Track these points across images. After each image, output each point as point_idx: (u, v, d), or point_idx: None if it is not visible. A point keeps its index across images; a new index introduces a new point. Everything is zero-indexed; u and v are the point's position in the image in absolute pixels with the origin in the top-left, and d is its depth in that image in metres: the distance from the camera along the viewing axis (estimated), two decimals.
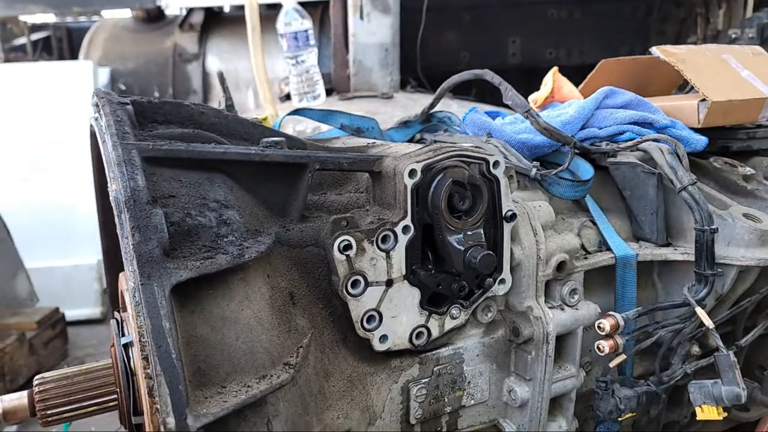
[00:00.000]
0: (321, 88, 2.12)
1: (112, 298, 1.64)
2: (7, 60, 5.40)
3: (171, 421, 0.70)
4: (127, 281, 0.80)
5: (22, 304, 3.57)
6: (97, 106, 1.03)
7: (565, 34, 4.42)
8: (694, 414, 1.51)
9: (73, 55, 5.44)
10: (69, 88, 3.96)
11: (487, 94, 2.99)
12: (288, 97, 2.40)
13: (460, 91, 2.12)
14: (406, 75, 2.71)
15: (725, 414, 1.18)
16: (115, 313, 1.22)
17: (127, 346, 1.12)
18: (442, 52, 3.61)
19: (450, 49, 3.75)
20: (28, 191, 3.87)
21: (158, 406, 0.72)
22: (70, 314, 3.69)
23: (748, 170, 1.55)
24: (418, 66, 2.90)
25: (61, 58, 5.70)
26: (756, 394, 1.34)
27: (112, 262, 1.59)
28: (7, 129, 3.93)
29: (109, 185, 0.85)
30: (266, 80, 2.10)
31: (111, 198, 0.83)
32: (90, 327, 3.87)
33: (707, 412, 1.17)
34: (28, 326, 3.36)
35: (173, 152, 0.88)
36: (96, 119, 1.01)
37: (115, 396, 1.12)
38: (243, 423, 0.78)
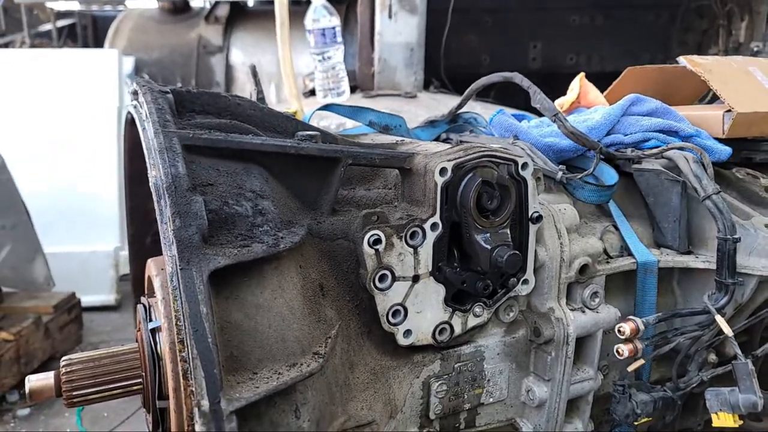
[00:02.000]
0: (346, 85, 2.14)
1: (135, 284, 1.67)
2: (32, 45, 5.48)
3: (205, 403, 0.72)
4: (165, 266, 0.83)
5: (38, 288, 3.62)
6: (136, 93, 1.06)
7: (587, 40, 4.41)
8: (707, 421, 1.52)
9: (98, 43, 5.52)
10: (94, 75, 4.02)
11: (507, 97, 2.99)
12: (312, 92, 2.42)
13: (480, 93, 2.14)
14: (428, 75, 2.72)
15: (740, 422, 1.19)
16: (142, 299, 1.25)
17: (154, 331, 1.14)
18: (464, 55, 3.62)
19: (471, 52, 3.75)
20: (50, 176, 3.93)
21: (193, 389, 0.74)
22: (86, 300, 3.75)
23: None
24: (441, 67, 2.91)
25: (85, 45, 5.77)
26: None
27: (138, 249, 1.62)
28: (31, 113, 3.99)
29: (149, 171, 0.88)
30: (292, 75, 2.12)
31: (151, 184, 0.86)
32: (104, 314, 3.93)
33: (723, 420, 1.18)
34: (45, 310, 3.42)
35: (213, 141, 0.90)
36: (135, 107, 1.04)
37: (140, 380, 1.14)
38: (272, 409, 0.80)
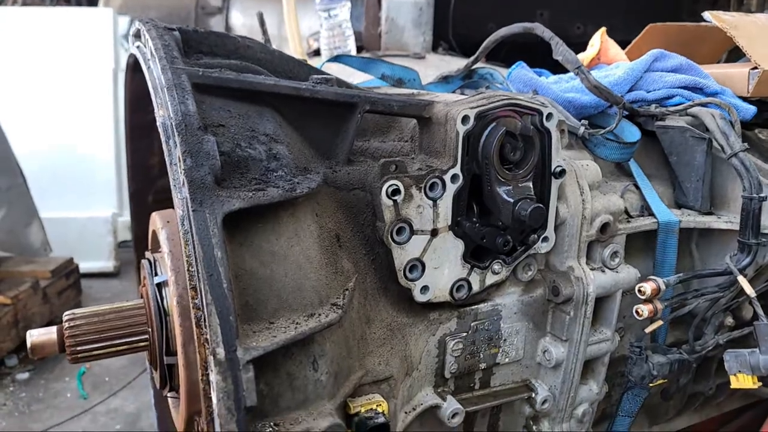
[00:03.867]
0: (352, 44, 2.07)
1: (137, 244, 1.63)
2: (24, 4, 5.32)
3: (221, 351, 0.68)
4: (175, 211, 0.78)
5: (35, 253, 3.58)
6: (138, 33, 1.00)
7: (595, 9, 4.30)
8: (719, 386, 1.51)
9: (92, 2, 5.35)
10: (89, 35, 3.90)
11: (518, 59, 2.91)
12: (317, 52, 2.34)
13: (491, 56, 2.07)
14: (436, 39, 2.64)
15: (759, 384, 1.17)
16: (147, 253, 1.20)
17: (160, 286, 1.10)
18: (471, 21, 3.53)
19: (478, 18, 3.65)
20: (45, 139, 3.84)
21: (207, 337, 0.70)
22: (84, 266, 3.71)
23: None
24: (450, 29, 2.82)
25: (79, 4, 5.60)
26: None
27: (139, 208, 1.57)
28: (24, 74, 3.88)
29: (156, 111, 0.82)
30: (297, 32, 2.04)
31: (159, 124, 0.81)
32: (103, 280, 3.90)
33: (742, 381, 1.15)
34: (42, 275, 3.38)
35: (224, 81, 0.84)
36: (138, 47, 0.98)
37: (146, 336, 1.11)
38: (289, 361, 0.77)
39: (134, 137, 1.41)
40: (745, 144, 1.21)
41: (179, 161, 0.75)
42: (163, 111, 0.80)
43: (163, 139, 0.79)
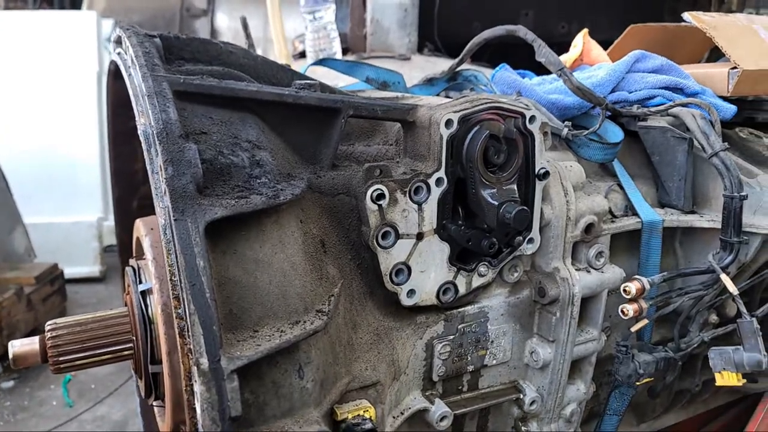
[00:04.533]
0: (337, 46, 2.06)
1: (122, 250, 1.61)
2: (7, 7, 5.24)
3: (204, 362, 0.68)
4: (157, 220, 0.77)
5: (19, 260, 3.53)
6: (119, 41, 0.99)
7: (579, 9, 4.33)
8: (705, 383, 1.52)
9: (75, 5, 5.29)
10: (72, 38, 3.85)
11: (502, 60, 2.93)
12: (302, 55, 2.33)
13: (475, 57, 2.07)
14: (421, 40, 2.64)
15: (744, 381, 1.18)
16: (131, 261, 1.19)
17: (144, 294, 1.09)
18: (455, 20, 3.54)
19: (463, 19, 3.67)
20: (28, 143, 3.79)
21: (190, 347, 0.69)
22: (69, 272, 3.67)
23: None
24: (435, 29, 2.82)
25: (62, 7, 5.53)
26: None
27: (123, 214, 1.56)
28: (7, 78, 3.83)
29: (137, 119, 0.82)
30: (282, 34, 2.03)
31: (140, 132, 0.80)
32: (89, 285, 3.85)
33: (727, 379, 1.17)
34: (27, 281, 3.34)
35: (206, 88, 0.84)
36: (119, 54, 0.97)
37: (131, 345, 1.09)
38: (274, 369, 0.76)
39: (117, 143, 1.39)
40: (726, 143, 1.22)
41: (161, 170, 0.74)
42: (144, 119, 0.79)
43: (144, 147, 0.78)
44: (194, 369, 0.68)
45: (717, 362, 1.17)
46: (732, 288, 1.16)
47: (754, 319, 1.15)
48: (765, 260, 1.32)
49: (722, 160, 1.21)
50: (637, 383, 1.22)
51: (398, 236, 0.96)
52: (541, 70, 1.47)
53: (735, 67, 1.43)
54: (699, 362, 1.47)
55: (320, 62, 1.39)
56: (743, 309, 1.16)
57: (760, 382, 1.55)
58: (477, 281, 1.06)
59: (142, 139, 0.79)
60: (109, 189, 1.61)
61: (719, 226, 1.23)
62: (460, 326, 1.07)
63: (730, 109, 1.41)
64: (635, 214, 1.26)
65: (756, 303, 1.44)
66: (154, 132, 0.75)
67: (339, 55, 2.09)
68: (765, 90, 1.53)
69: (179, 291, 0.71)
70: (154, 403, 1.10)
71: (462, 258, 1.05)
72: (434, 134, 0.96)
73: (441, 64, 1.52)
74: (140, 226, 1.13)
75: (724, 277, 1.17)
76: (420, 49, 2.65)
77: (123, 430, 2.51)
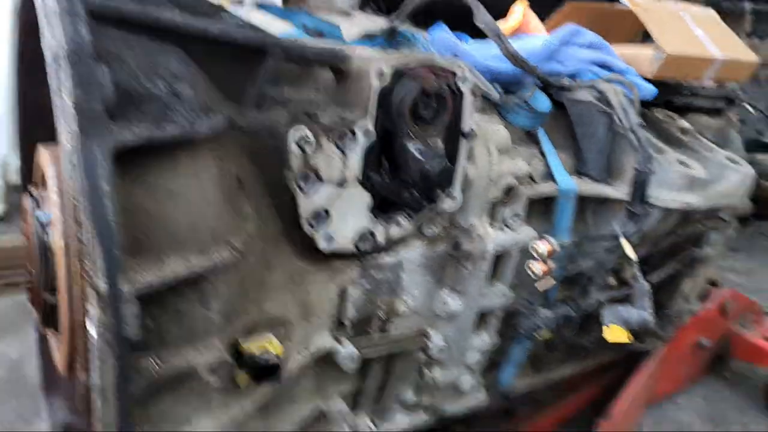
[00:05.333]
0: None
1: (25, 174, 1.53)
2: None
3: (102, 284, 0.67)
4: (61, 142, 0.75)
5: None
6: None
7: None
8: (599, 341, 1.64)
9: None
10: None
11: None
12: (240, 1, 2.24)
13: (420, 25, 2.07)
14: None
15: (632, 339, 1.28)
16: (30, 188, 1.14)
17: (43, 224, 1.05)
18: None
19: None
20: None
21: (89, 271, 0.69)
22: None
23: (686, 125, 1.63)
24: None
25: None
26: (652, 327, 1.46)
27: (29, 148, 1.48)
28: None
29: (44, 40, 0.78)
30: None
31: (46, 52, 0.76)
32: None
33: (615, 334, 1.26)
34: None
35: (124, 12, 0.81)
36: None
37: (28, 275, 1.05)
38: (179, 298, 0.77)
39: (25, 72, 1.31)
40: (642, 121, 1.30)
41: (69, 93, 0.71)
42: (54, 39, 0.75)
43: (51, 69, 0.75)
44: (91, 292, 0.67)
45: (607, 316, 1.26)
46: (632, 254, 1.26)
47: (646, 282, 1.24)
48: (664, 230, 1.43)
49: (637, 135, 1.28)
50: (537, 337, 1.30)
51: (320, 181, 0.97)
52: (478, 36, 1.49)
53: (660, 51, 1.50)
54: (595, 322, 1.57)
55: (257, 8, 1.35)
56: (639, 273, 1.25)
57: (647, 342, 1.69)
58: (395, 232, 1.09)
59: (49, 59, 0.75)
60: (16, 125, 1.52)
61: (629, 198, 1.31)
62: (375, 274, 1.10)
63: (651, 90, 1.48)
64: (554, 180, 1.32)
65: (652, 271, 1.55)
66: (64, 52, 0.72)
67: (279, 5, 2.03)
68: (684, 75, 1.62)
69: (81, 214, 0.70)
70: (50, 333, 1.06)
71: (383, 209, 1.07)
72: (365, 84, 0.97)
73: (381, 23, 1.51)
74: (42, 154, 1.07)
75: (624, 242, 1.26)
76: (362, 8, 2.60)
77: (20, 369, 2.40)
